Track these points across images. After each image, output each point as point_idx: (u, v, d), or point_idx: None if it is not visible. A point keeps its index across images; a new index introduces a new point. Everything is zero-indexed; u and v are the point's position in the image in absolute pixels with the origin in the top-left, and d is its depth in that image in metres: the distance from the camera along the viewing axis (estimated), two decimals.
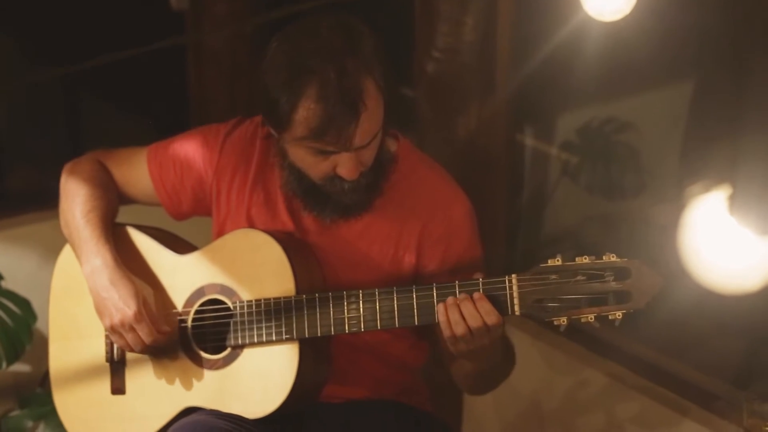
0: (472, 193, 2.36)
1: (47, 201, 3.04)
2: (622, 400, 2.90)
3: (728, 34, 2.82)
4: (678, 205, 2.43)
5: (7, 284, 3.22)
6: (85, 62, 3.53)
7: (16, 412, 3.15)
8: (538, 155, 3.45)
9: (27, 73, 3.73)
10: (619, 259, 2.04)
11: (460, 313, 2.07)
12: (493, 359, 2.20)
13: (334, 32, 2.11)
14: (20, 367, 3.30)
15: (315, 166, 2.18)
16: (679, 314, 2.51)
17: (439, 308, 2.10)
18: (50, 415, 3.01)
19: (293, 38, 2.13)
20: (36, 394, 3.15)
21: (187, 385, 2.30)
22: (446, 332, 2.10)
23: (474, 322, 2.07)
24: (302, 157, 2.18)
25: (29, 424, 3.11)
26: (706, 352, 2.87)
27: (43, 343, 2.59)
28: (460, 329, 2.08)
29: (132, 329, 2.24)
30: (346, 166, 2.15)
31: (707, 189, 2.38)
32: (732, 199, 2.33)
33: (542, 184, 3.49)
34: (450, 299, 2.09)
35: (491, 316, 2.06)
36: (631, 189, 3.29)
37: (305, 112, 2.09)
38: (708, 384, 2.80)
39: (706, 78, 2.92)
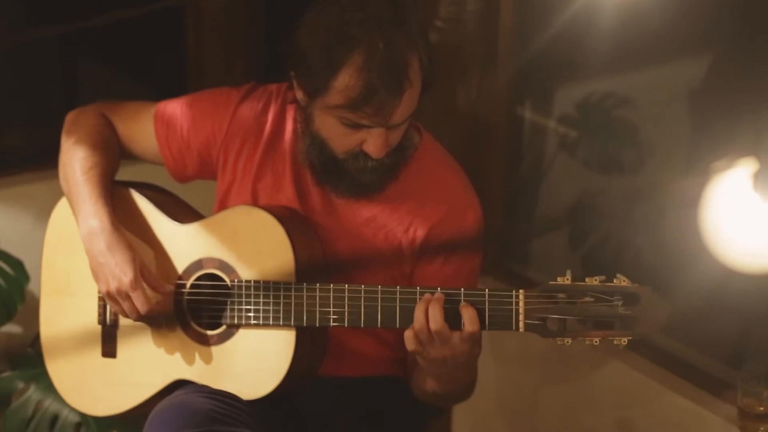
0: (471, 163, 2.34)
1: (42, 161, 3.02)
2: (617, 377, 2.89)
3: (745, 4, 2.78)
4: (701, 182, 2.37)
5: (0, 244, 3.21)
6: (83, 21, 3.50)
7: (6, 374, 3.14)
8: (537, 128, 3.43)
9: (23, 31, 3.69)
10: (629, 284, 2.00)
11: (424, 312, 2.04)
12: (456, 385, 2.18)
13: (383, 3, 2.06)
14: (12, 328, 3.28)
15: (341, 139, 2.13)
16: (680, 294, 2.50)
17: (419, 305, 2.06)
18: (41, 376, 3.00)
19: (341, 4, 2.06)
20: (27, 354, 3.14)
21: (180, 358, 2.27)
22: (408, 331, 2.07)
23: (435, 325, 2.03)
24: (330, 126, 2.12)
25: (20, 385, 3.10)
26: (701, 331, 2.86)
27: (35, 304, 2.56)
28: (417, 324, 2.04)
29: (128, 297, 2.19)
30: (375, 142, 2.10)
31: (731, 165, 2.32)
32: (757, 175, 2.28)
33: (540, 157, 3.46)
34: (426, 296, 2.05)
35: (473, 324, 2.02)
36: (629, 165, 3.28)
37: (347, 79, 2.04)
38: (703, 363, 2.80)
39: (726, 49, 2.88)
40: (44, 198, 2.54)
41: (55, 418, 3.03)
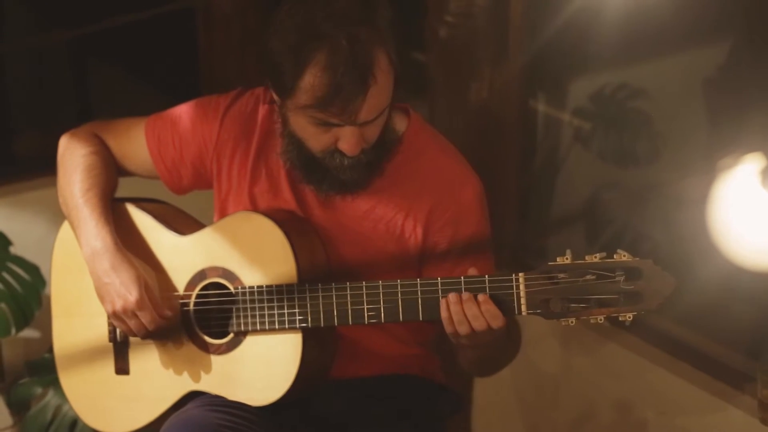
0: (484, 158, 2.32)
1: (55, 166, 3.02)
2: (636, 370, 2.88)
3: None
4: (708, 179, 2.34)
5: (16, 250, 3.21)
6: (95, 25, 3.50)
7: (26, 379, 3.14)
8: (551, 121, 3.42)
9: (35, 36, 3.70)
10: (630, 259, 1.97)
11: (464, 314, 2.02)
12: (496, 348, 2.16)
13: None
14: (29, 333, 3.29)
15: (316, 138, 2.12)
16: (698, 287, 2.47)
17: (442, 303, 2.05)
18: (59, 382, 3.00)
19: (306, 2, 2.05)
20: (44, 358, 3.14)
21: (191, 369, 2.27)
22: (448, 329, 2.06)
23: (478, 324, 2.02)
24: (303, 126, 2.12)
25: (38, 390, 3.11)
26: (719, 322, 2.84)
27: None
28: (464, 329, 2.03)
29: (134, 315, 2.19)
30: (348, 140, 2.09)
31: (739, 161, 2.30)
32: (765, 172, 2.25)
33: (554, 150, 3.45)
34: (451, 297, 2.03)
35: (497, 320, 2.02)
36: (644, 156, 3.26)
37: (311, 79, 2.02)
38: (722, 355, 2.78)
39: (736, 43, 2.86)
40: (58, 203, 2.54)
41: (74, 423, 3.04)
